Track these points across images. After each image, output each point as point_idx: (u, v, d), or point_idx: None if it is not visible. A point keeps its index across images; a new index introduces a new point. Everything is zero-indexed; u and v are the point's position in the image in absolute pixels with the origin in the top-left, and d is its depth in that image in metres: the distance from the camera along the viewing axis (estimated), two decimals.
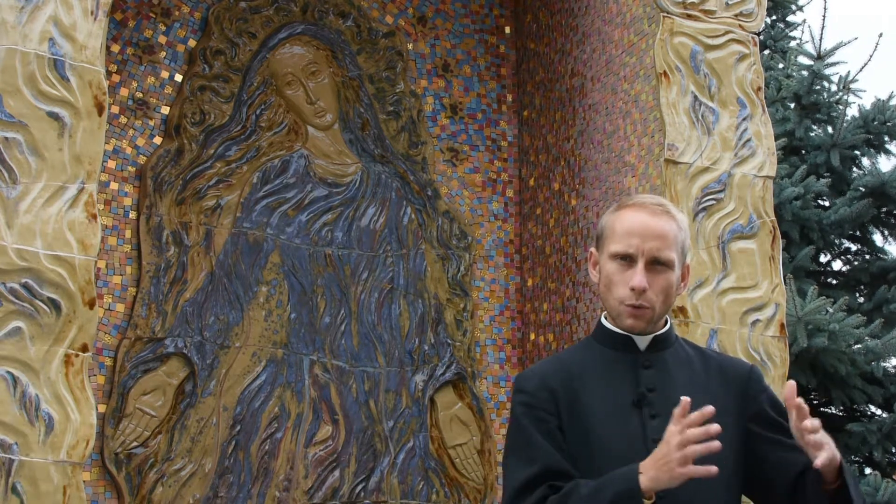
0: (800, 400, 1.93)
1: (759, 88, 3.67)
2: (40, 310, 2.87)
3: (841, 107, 6.63)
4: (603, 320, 2.20)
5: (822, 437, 1.93)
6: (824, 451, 1.92)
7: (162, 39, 3.91)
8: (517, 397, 2.17)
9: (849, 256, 6.93)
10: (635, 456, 1.99)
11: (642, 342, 2.15)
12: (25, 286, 2.86)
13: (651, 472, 1.92)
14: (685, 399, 1.91)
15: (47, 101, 2.97)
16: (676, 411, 1.91)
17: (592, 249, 2.22)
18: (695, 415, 1.90)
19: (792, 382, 1.96)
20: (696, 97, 3.58)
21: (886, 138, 6.71)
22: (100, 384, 3.58)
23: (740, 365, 2.23)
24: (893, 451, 5.98)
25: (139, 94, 3.83)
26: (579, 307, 3.93)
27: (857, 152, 6.74)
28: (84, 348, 2.91)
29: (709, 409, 1.90)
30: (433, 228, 4.16)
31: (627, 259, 2.10)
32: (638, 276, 2.08)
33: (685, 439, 1.89)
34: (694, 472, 1.89)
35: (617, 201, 2.28)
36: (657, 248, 2.09)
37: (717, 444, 1.89)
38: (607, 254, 2.14)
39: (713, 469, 1.89)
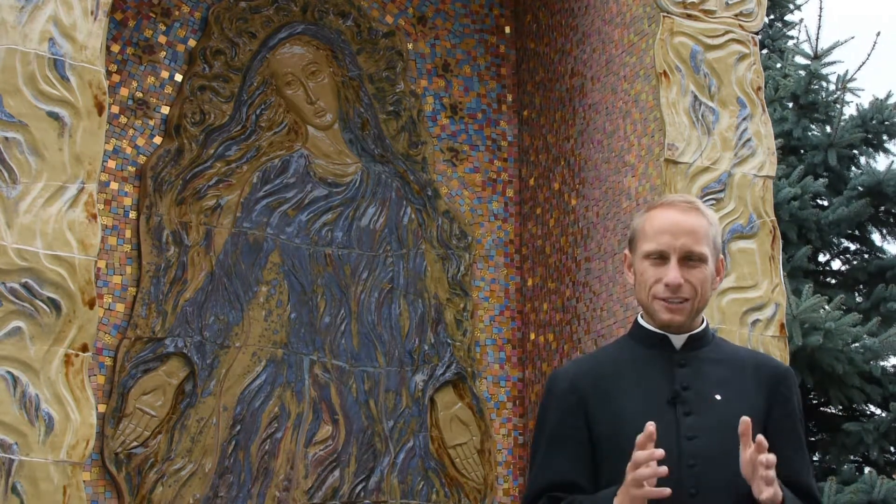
0: (760, 437, 1.97)
1: (759, 88, 3.68)
2: (40, 310, 2.87)
3: (839, 106, 6.63)
4: (639, 319, 2.22)
5: (773, 474, 1.97)
6: (772, 487, 1.97)
7: (162, 39, 3.91)
8: (545, 398, 2.22)
9: (847, 256, 6.93)
10: (668, 453, 2.01)
11: (678, 341, 2.17)
12: (25, 286, 2.86)
13: (619, 497, 1.99)
14: (647, 429, 1.95)
15: (47, 100, 2.97)
16: (639, 438, 1.95)
17: (626, 252, 2.25)
18: (638, 454, 1.95)
19: (746, 419, 1.99)
20: (696, 97, 3.58)
21: (885, 137, 6.71)
22: (100, 384, 3.58)
23: (776, 366, 2.25)
24: (892, 450, 5.99)
25: (139, 94, 3.83)
26: (579, 307, 3.93)
27: (856, 151, 6.75)
28: (84, 348, 2.91)
29: (656, 453, 1.94)
30: (433, 228, 4.16)
31: (660, 257, 2.13)
32: (672, 272, 2.11)
33: (638, 478, 1.94)
34: (650, 494, 1.95)
35: (647, 204, 2.31)
36: (689, 243, 2.13)
37: (664, 469, 1.94)
38: (640, 254, 2.17)
39: (666, 491, 1.94)
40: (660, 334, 2.17)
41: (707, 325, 2.22)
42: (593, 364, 2.23)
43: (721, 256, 2.22)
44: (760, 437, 1.96)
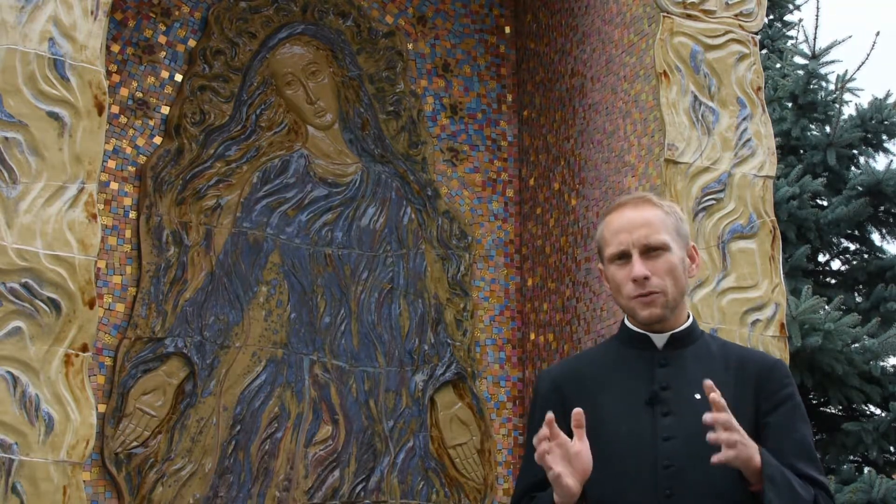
0: (715, 395, 1.92)
1: (759, 88, 3.68)
2: (40, 310, 2.86)
3: (838, 105, 6.63)
4: (625, 320, 2.22)
5: (733, 437, 1.92)
6: (732, 450, 1.91)
7: (162, 39, 3.90)
8: (532, 398, 2.25)
9: (847, 256, 6.94)
10: (644, 454, 2.01)
11: (659, 340, 2.16)
12: (25, 286, 2.85)
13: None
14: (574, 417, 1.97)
15: (47, 100, 2.96)
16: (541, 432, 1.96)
17: (599, 265, 2.26)
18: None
19: (709, 382, 1.94)
20: (696, 97, 3.58)
21: (884, 137, 6.71)
22: (100, 384, 3.57)
23: (762, 360, 2.21)
24: (891, 450, 5.99)
25: (139, 94, 3.83)
26: (579, 307, 3.93)
27: (855, 151, 6.75)
28: (84, 348, 2.91)
29: (544, 431, 1.96)
30: (433, 228, 4.16)
31: (624, 257, 2.14)
32: (636, 266, 2.11)
33: (539, 455, 1.96)
34: (555, 475, 1.96)
35: (605, 210, 2.32)
36: (645, 234, 2.12)
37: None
38: (606, 260, 2.19)
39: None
40: (641, 334, 2.17)
41: (693, 322, 2.20)
42: (577, 365, 2.24)
43: (692, 243, 2.21)
44: (714, 395, 1.91)
